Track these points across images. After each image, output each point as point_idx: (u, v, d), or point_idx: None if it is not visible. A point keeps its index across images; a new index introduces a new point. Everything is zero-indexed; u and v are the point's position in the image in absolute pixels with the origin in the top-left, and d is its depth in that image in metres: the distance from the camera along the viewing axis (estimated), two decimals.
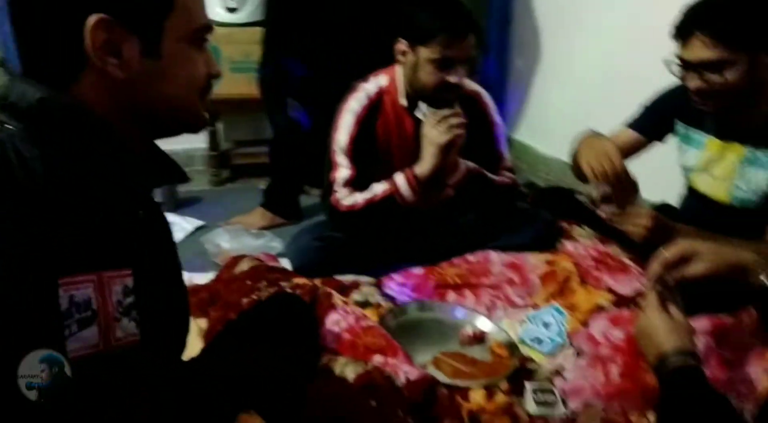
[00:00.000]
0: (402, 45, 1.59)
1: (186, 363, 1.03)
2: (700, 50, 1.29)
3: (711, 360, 1.23)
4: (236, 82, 2.55)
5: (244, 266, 1.56)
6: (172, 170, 0.82)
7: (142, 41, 0.71)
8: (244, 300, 1.40)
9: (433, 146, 1.55)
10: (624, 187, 1.46)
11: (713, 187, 1.50)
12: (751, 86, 1.32)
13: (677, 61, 1.36)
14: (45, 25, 0.68)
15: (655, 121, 1.62)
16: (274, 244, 1.92)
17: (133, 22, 0.70)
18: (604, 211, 1.49)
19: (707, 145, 1.50)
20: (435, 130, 1.54)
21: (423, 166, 1.57)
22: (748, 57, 1.28)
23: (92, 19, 0.66)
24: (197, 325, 1.45)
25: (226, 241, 1.87)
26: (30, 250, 0.61)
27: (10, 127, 0.66)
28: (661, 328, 0.99)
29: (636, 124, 1.65)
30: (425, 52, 1.53)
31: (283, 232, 2.05)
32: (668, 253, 1.04)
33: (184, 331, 0.94)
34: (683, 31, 1.32)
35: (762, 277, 0.99)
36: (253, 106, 2.47)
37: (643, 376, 1.24)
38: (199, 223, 2.22)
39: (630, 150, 1.62)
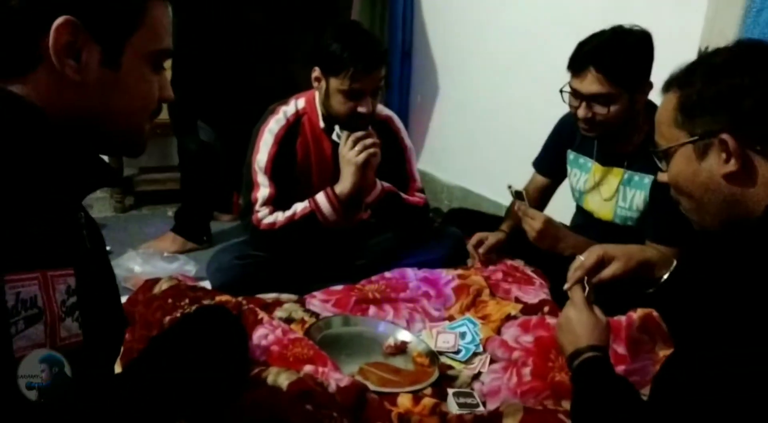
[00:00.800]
0: (316, 72, 1.64)
1: (117, 375, 1.00)
2: (593, 84, 1.47)
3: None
4: None
5: (163, 286, 1.52)
6: (107, 173, 0.82)
7: (103, 50, 0.72)
8: (167, 318, 1.37)
9: (350, 166, 1.61)
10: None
11: (600, 206, 1.69)
12: (629, 118, 1.52)
13: (569, 90, 1.54)
14: (11, 15, 0.68)
15: (554, 158, 1.81)
16: (188, 267, 1.90)
17: (99, 31, 0.71)
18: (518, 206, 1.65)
19: (593, 169, 1.70)
20: (351, 152, 1.61)
21: (343, 185, 1.63)
22: (628, 94, 1.49)
23: (60, 20, 0.68)
24: None
25: (138, 265, 1.82)
26: None
27: None
28: (584, 324, 1.06)
29: (540, 166, 1.88)
30: (335, 82, 1.58)
31: (197, 255, 2.02)
32: (586, 258, 1.14)
33: (120, 336, 0.94)
34: (579, 65, 1.49)
35: (663, 272, 1.12)
36: (158, 132, 2.43)
37: (554, 375, 1.35)
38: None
39: (544, 192, 1.89)
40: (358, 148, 1.61)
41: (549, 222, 1.60)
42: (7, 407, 0.58)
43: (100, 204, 2.57)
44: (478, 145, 2.74)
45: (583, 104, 1.51)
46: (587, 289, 1.12)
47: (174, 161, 2.45)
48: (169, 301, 1.43)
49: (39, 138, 0.69)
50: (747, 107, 0.80)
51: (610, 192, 1.66)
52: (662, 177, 0.94)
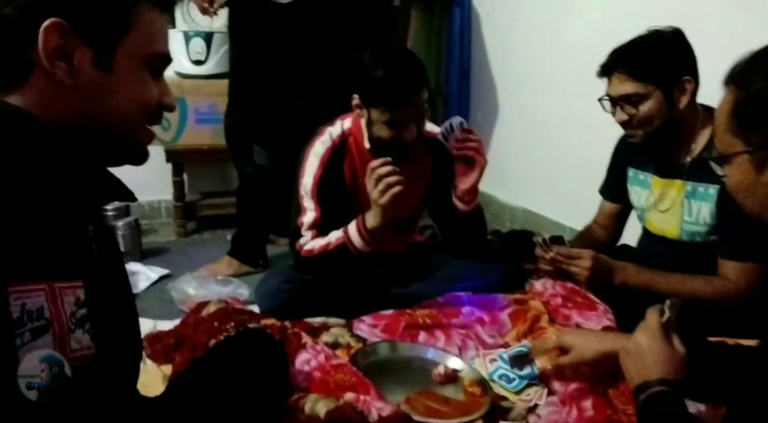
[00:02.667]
0: (356, 100, 1.60)
1: (151, 399, 0.99)
2: (619, 86, 1.45)
3: None
4: (201, 134, 2.58)
5: (211, 308, 1.52)
6: (117, 188, 0.81)
7: (95, 52, 0.72)
8: (212, 341, 1.36)
9: (376, 206, 1.53)
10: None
11: (664, 223, 1.58)
12: (673, 120, 1.44)
13: (606, 97, 1.51)
14: (3, 24, 0.69)
15: (618, 182, 1.72)
16: (241, 290, 1.90)
17: (89, 33, 0.71)
18: (551, 254, 1.60)
19: (652, 183, 1.59)
20: (375, 191, 1.50)
21: (371, 220, 1.55)
22: (661, 91, 1.42)
23: (48, 22, 0.68)
24: (161, 372, 1.41)
25: (193, 288, 1.84)
26: None
27: None
28: (656, 353, 0.95)
29: (606, 192, 1.79)
30: (375, 113, 1.53)
31: (251, 279, 2.02)
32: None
33: (137, 353, 0.92)
34: (606, 70, 1.49)
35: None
36: (219, 157, 2.49)
37: (613, 413, 1.25)
38: (163, 271, 2.18)
39: (615, 219, 1.78)
40: (380, 188, 1.49)
41: (596, 258, 1.53)
42: (8, 409, 0.58)
43: (164, 229, 2.65)
44: (540, 165, 2.65)
45: (617, 108, 1.49)
46: (666, 313, 0.99)
47: (234, 186, 2.49)
48: (215, 323, 1.43)
49: (41, 149, 0.69)
50: None
51: (671, 206, 1.55)
52: (723, 179, 0.85)
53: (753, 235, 0.93)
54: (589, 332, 1.05)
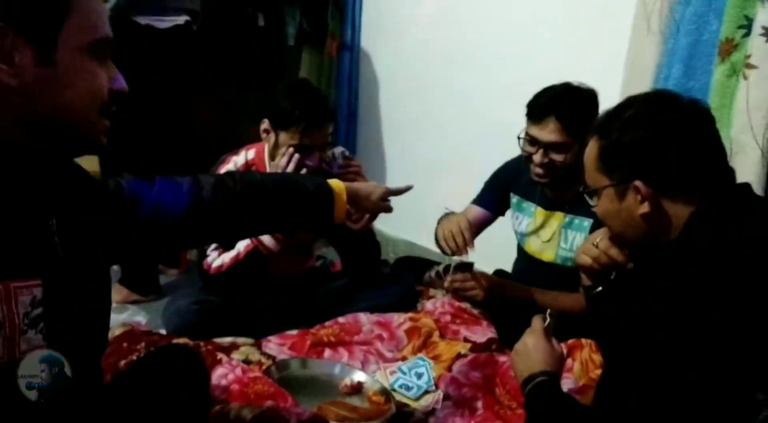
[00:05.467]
0: (265, 124, 1.71)
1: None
2: (553, 133, 1.58)
3: None
4: (90, 160, 2.49)
5: (115, 332, 1.51)
6: (82, 180, 0.81)
7: (35, 49, 0.70)
8: (122, 362, 1.36)
9: None
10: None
11: (542, 248, 1.81)
12: (576, 166, 1.63)
13: (526, 136, 1.64)
14: None
15: (495, 197, 1.92)
16: (138, 317, 1.87)
17: (26, 30, 0.69)
18: (448, 282, 1.79)
19: (536, 213, 1.83)
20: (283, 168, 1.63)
21: None
22: (578, 145, 1.58)
23: None
24: None
25: None
26: None
27: None
28: (540, 350, 1.11)
29: (481, 201, 1.94)
30: (285, 137, 1.66)
31: (146, 306, 2.00)
32: None
33: (100, 347, 0.92)
34: (540, 114, 1.59)
35: None
36: None
37: (504, 410, 1.43)
38: None
39: (479, 225, 1.90)
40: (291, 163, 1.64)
41: (490, 277, 1.75)
42: (7, 410, 0.58)
43: None
44: (422, 200, 2.83)
45: (541, 151, 1.61)
46: (548, 320, 1.17)
47: None
48: (124, 345, 1.43)
49: None
50: (652, 158, 0.93)
51: (550, 235, 1.78)
52: (594, 208, 1.06)
53: None
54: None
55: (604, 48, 1.95)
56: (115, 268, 2.28)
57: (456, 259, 1.82)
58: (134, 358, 1.37)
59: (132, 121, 2.09)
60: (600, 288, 1.10)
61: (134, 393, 1.03)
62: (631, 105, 1.00)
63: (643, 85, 1.67)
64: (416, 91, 2.83)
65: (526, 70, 2.23)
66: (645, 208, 0.94)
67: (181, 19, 2.14)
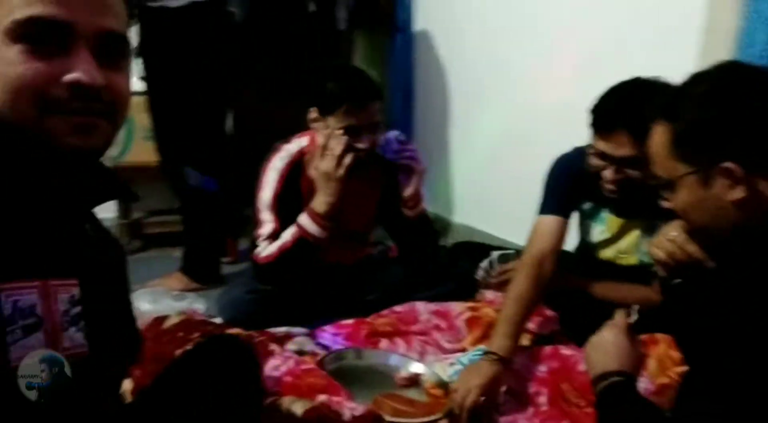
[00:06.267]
0: (313, 113, 1.68)
1: (127, 405, 0.99)
2: (626, 147, 1.33)
3: None
4: (148, 150, 2.53)
5: (173, 320, 1.52)
6: (114, 187, 0.80)
7: None
8: (178, 351, 1.36)
9: (321, 179, 1.62)
10: None
11: (620, 254, 1.61)
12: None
13: (593, 151, 1.40)
14: None
15: (567, 201, 1.59)
16: (197, 305, 1.88)
17: None
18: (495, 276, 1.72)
19: (608, 222, 1.61)
20: (328, 165, 1.61)
21: (320, 203, 1.62)
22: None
23: None
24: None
25: (147, 303, 1.81)
26: None
27: None
28: (619, 346, 1.01)
29: (552, 207, 1.57)
30: (332, 121, 1.62)
31: (205, 294, 2.01)
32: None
33: (130, 353, 0.92)
34: (608, 125, 1.35)
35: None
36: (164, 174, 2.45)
37: (569, 407, 1.34)
38: None
39: (561, 236, 1.55)
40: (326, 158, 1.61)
41: None
42: (7, 410, 0.58)
43: None
44: (481, 184, 2.77)
45: (613, 167, 1.37)
46: (633, 316, 1.06)
47: None
48: (180, 334, 1.43)
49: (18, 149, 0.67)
50: (742, 134, 0.82)
51: (629, 244, 1.59)
52: (667, 205, 0.94)
53: None
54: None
55: (675, 12, 1.78)
56: (176, 254, 2.32)
57: (496, 253, 1.74)
58: (189, 347, 1.36)
59: (180, 110, 2.12)
60: (679, 280, 0.98)
61: (186, 383, 1.03)
62: (700, 81, 0.88)
63: (724, 52, 1.52)
64: (474, 72, 2.73)
65: (591, 45, 2.09)
66: (739, 192, 0.82)
67: None
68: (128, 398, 1.31)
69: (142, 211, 2.77)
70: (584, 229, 1.68)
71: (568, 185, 1.58)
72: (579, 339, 1.49)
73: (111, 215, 2.61)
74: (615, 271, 1.61)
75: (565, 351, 1.46)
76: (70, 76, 0.65)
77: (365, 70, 1.79)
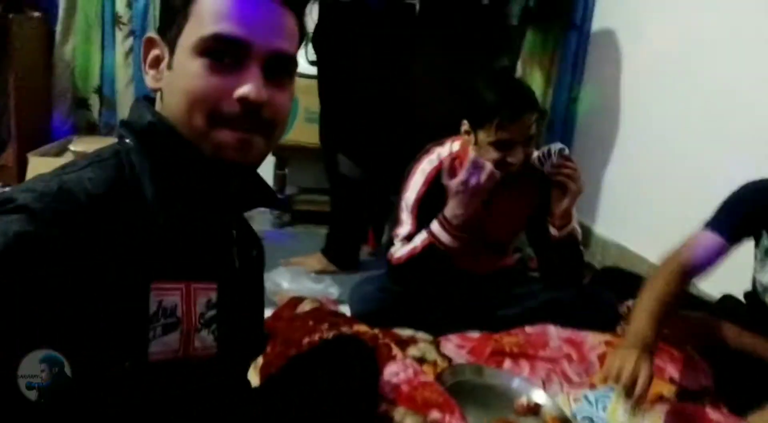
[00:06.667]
0: (465, 126, 1.63)
1: (253, 389, 1.05)
2: None
3: None
4: (309, 131, 2.65)
5: (306, 307, 1.59)
6: (263, 194, 0.82)
7: (168, 53, 0.73)
8: (306, 339, 1.42)
9: (453, 191, 1.58)
10: None
11: None
12: None
13: None
14: None
15: (741, 226, 1.43)
16: (332, 290, 1.96)
17: (166, 35, 0.73)
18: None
19: None
20: (458, 176, 1.58)
21: (449, 209, 1.59)
22: None
23: (145, 37, 0.75)
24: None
25: (286, 281, 1.91)
26: (131, 252, 0.65)
27: (128, 141, 0.72)
28: None
29: (720, 226, 1.42)
30: (483, 135, 1.56)
31: (341, 279, 2.07)
32: None
33: (255, 353, 0.99)
34: None
35: None
36: (321, 156, 2.55)
37: None
38: None
39: (715, 257, 1.40)
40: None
41: (700, 315, 1.45)
42: (7, 407, 0.58)
43: (260, 217, 2.75)
44: (643, 200, 2.54)
45: None
46: None
47: None
48: (310, 323, 1.48)
49: (184, 158, 0.72)
50: None
51: None
52: None
53: None
54: None
55: None
56: (322, 231, 2.42)
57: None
58: (317, 337, 1.41)
59: (347, 99, 2.18)
60: None
61: (309, 381, 1.06)
62: None
63: None
64: (650, 79, 2.50)
65: None
66: None
67: None
68: (255, 372, 1.40)
69: (295, 188, 2.92)
70: (760, 268, 1.48)
71: (750, 211, 1.42)
72: (734, 403, 1.34)
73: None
74: None
75: (714, 415, 1.31)
76: (240, 91, 0.69)
77: (518, 79, 1.69)
